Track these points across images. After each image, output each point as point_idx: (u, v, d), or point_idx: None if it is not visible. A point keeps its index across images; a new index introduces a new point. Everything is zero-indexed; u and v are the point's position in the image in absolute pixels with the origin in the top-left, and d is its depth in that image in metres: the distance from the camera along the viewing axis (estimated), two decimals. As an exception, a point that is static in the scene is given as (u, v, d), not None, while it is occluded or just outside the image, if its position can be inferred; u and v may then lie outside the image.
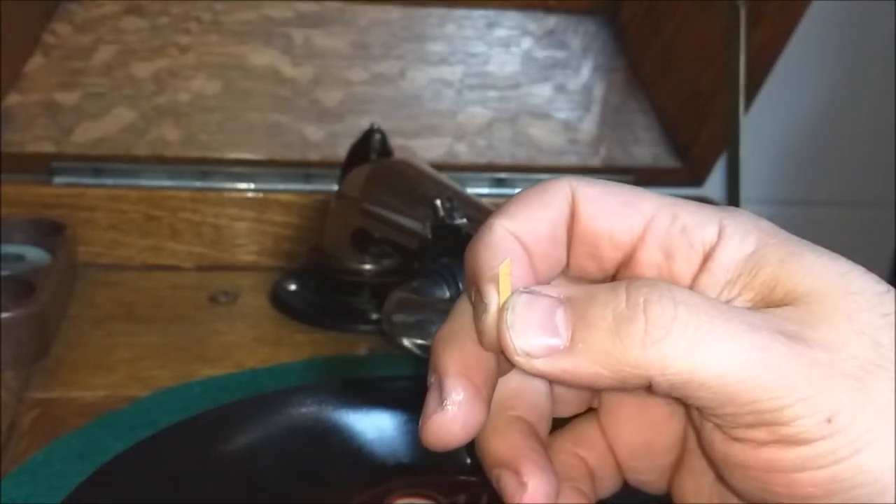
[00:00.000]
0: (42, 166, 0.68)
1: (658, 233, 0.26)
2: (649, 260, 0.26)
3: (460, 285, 0.49)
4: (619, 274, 0.27)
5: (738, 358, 0.22)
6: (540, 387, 0.28)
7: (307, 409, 0.50)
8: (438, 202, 0.52)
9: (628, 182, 0.83)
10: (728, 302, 0.25)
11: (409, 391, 0.53)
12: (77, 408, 0.50)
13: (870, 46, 0.89)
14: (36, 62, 0.68)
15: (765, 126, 0.82)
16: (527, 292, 0.24)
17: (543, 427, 0.28)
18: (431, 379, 0.26)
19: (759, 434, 0.23)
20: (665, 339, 0.22)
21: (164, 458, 0.46)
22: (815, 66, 0.88)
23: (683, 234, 0.26)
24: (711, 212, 0.26)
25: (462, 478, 0.45)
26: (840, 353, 0.23)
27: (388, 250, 0.62)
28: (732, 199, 0.64)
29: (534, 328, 0.24)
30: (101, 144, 0.68)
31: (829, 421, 0.22)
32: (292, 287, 0.66)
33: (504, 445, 0.26)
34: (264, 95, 0.71)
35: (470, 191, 0.62)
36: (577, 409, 0.29)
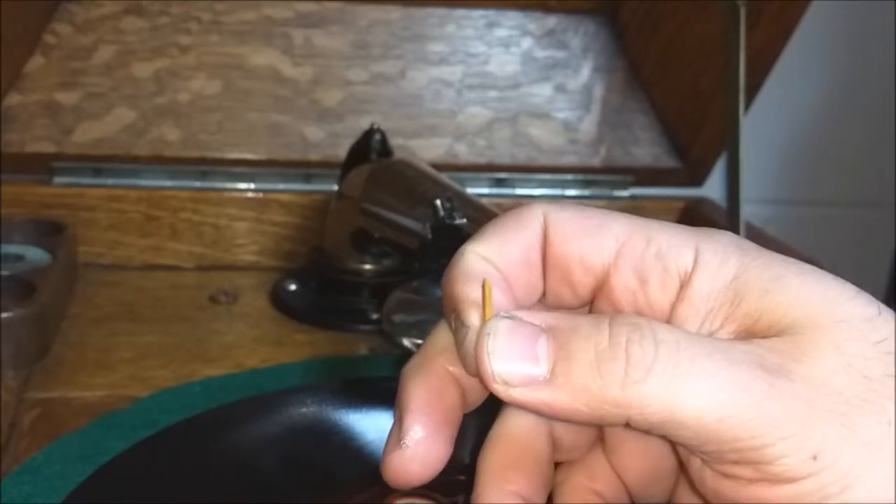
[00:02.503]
0: (42, 166, 0.68)
1: (631, 257, 0.25)
2: (624, 286, 0.26)
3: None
4: (595, 301, 0.27)
5: (717, 397, 0.22)
6: (542, 452, 0.27)
7: (307, 409, 0.50)
8: (438, 202, 0.52)
9: (628, 182, 0.83)
10: (710, 334, 0.24)
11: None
12: (77, 408, 0.50)
13: (870, 46, 0.89)
14: (36, 62, 0.68)
15: (765, 126, 0.82)
16: (508, 317, 0.24)
17: (541, 495, 0.27)
18: (395, 413, 0.26)
19: (745, 472, 0.23)
20: (644, 380, 0.22)
21: (165, 458, 0.45)
22: (815, 66, 0.88)
23: (658, 259, 0.25)
24: (688, 234, 0.25)
25: (462, 478, 0.45)
26: (824, 388, 0.22)
27: (388, 250, 0.62)
28: (732, 199, 0.64)
29: (514, 356, 0.23)
30: (101, 144, 0.68)
31: (814, 458, 0.22)
32: (292, 287, 0.66)
33: None
34: (264, 95, 0.71)
35: (470, 191, 0.62)
36: (584, 453, 0.29)
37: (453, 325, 0.26)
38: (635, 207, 0.76)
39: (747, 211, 0.64)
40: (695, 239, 0.25)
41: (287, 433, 0.48)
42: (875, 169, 0.91)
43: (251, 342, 0.59)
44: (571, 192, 0.76)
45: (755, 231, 0.69)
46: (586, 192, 0.76)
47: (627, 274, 0.25)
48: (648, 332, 0.23)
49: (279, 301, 0.64)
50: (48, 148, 0.67)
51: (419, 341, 0.46)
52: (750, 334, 0.24)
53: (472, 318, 0.24)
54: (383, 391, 0.52)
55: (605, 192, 0.77)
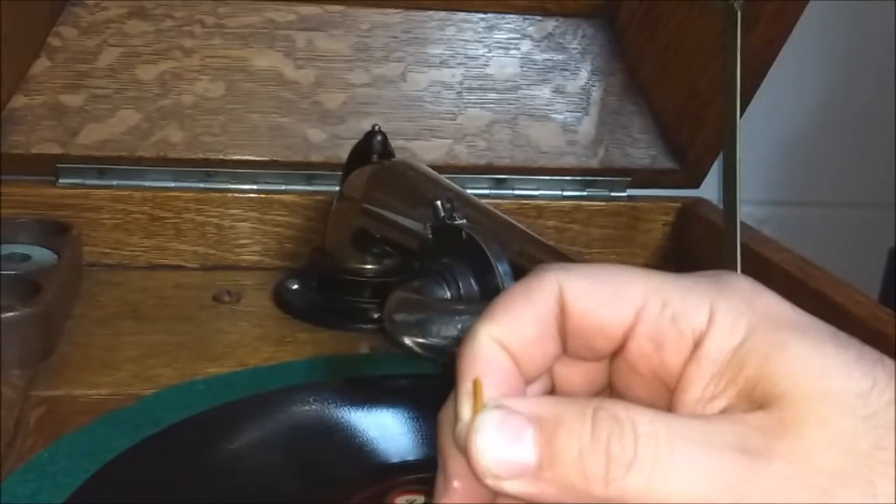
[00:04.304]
0: (48, 167, 0.68)
1: (648, 323, 0.26)
2: (640, 350, 0.26)
3: (460, 285, 0.49)
4: (613, 360, 0.27)
5: (695, 486, 0.22)
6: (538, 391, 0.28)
7: (310, 408, 0.51)
8: (439, 203, 0.52)
9: (626, 184, 0.83)
10: (712, 398, 0.25)
11: (410, 389, 0.53)
12: (82, 406, 0.51)
13: (867, 47, 0.89)
14: (41, 65, 0.68)
15: (762, 127, 0.82)
16: (497, 408, 0.24)
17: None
18: (440, 459, 0.27)
19: None
20: (625, 478, 0.23)
21: (169, 456, 0.46)
22: (812, 67, 0.88)
23: (673, 324, 0.25)
24: (703, 292, 0.26)
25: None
26: (807, 464, 0.23)
27: (389, 250, 0.63)
28: (729, 200, 0.64)
29: (502, 450, 0.24)
30: (106, 146, 0.69)
31: None
32: (295, 287, 0.66)
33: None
34: (267, 97, 0.72)
35: (470, 191, 0.63)
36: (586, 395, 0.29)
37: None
38: (633, 208, 0.77)
39: (743, 212, 0.64)
40: (710, 297, 0.25)
41: (289, 431, 0.49)
42: (871, 170, 0.92)
43: (254, 341, 0.59)
44: (570, 192, 0.77)
45: (751, 232, 0.70)
46: (584, 193, 0.77)
47: (644, 339, 0.26)
48: (629, 426, 0.23)
49: (282, 300, 0.65)
50: (53, 149, 0.68)
51: (420, 340, 0.46)
52: (748, 400, 0.24)
53: (465, 411, 0.25)
54: (384, 389, 0.53)
55: (603, 192, 0.77)
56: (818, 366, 0.24)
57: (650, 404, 0.25)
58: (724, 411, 0.24)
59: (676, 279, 0.26)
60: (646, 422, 0.23)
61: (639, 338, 0.26)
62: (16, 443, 0.46)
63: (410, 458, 0.49)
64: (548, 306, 0.27)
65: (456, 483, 0.26)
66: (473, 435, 0.24)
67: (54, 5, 0.68)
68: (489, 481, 0.24)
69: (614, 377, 0.28)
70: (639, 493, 0.23)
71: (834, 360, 0.24)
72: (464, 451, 0.25)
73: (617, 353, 0.27)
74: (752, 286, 0.26)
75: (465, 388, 0.26)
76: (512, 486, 0.24)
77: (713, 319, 0.25)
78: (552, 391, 0.28)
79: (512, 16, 0.75)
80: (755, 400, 0.24)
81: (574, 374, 0.28)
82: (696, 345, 0.25)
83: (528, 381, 0.27)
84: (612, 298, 0.26)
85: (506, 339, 0.26)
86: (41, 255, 0.61)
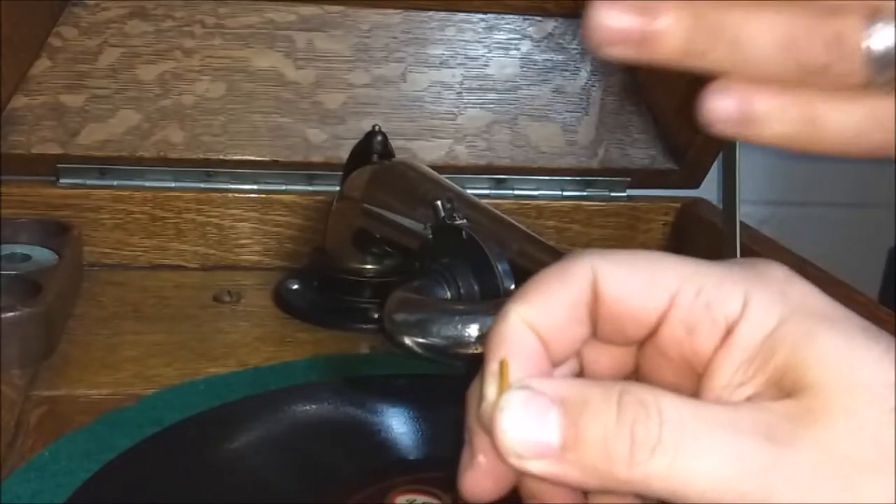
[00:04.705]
0: (48, 168, 0.69)
1: (681, 308, 0.26)
2: (671, 335, 0.26)
3: (460, 285, 0.49)
4: (644, 346, 0.27)
5: (720, 473, 0.23)
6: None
7: (310, 407, 0.51)
8: (439, 203, 0.52)
9: (625, 184, 0.82)
10: (740, 385, 0.25)
11: (410, 389, 0.53)
12: (83, 405, 0.51)
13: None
14: (42, 65, 0.68)
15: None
16: (522, 389, 0.24)
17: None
18: (467, 435, 0.27)
19: None
20: (649, 461, 0.23)
21: (170, 456, 0.46)
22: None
23: (707, 310, 0.25)
24: (737, 279, 0.26)
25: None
26: (830, 452, 0.23)
27: (389, 250, 0.63)
28: (729, 200, 0.64)
29: (527, 431, 0.24)
30: (106, 146, 0.69)
31: None
32: (295, 286, 0.66)
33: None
34: (267, 98, 0.72)
35: (470, 191, 0.63)
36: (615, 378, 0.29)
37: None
38: (632, 208, 0.77)
39: (743, 212, 0.64)
40: (744, 285, 0.25)
41: (289, 431, 0.49)
42: (871, 170, 0.92)
43: (254, 341, 0.60)
44: (570, 193, 0.77)
45: (751, 232, 0.70)
46: (584, 193, 0.77)
47: (676, 325, 0.26)
48: (654, 411, 0.23)
49: (282, 300, 0.65)
50: (54, 149, 0.68)
51: (420, 340, 0.46)
52: (777, 388, 0.24)
53: (490, 391, 0.25)
54: (384, 389, 0.53)
55: (602, 193, 0.77)
56: (847, 357, 0.24)
57: (677, 389, 0.24)
58: (751, 398, 0.24)
59: (710, 266, 0.26)
60: (671, 406, 0.23)
61: (672, 323, 0.26)
62: (16, 442, 0.47)
63: (410, 458, 0.49)
64: (581, 291, 0.26)
65: (481, 458, 0.26)
66: (498, 414, 0.24)
67: (55, 5, 0.68)
68: (513, 460, 0.24)
69: (642, 361, 0.28)
70: (662, 476, 0.23)
71: (863, 351, 0.24)
72: (488, 430, 0.25)
73: (647, 338, 0.27)
74: (787, 275, 0.26)
75: (492, 367, 0.26)
76: (535, 466, 0.24)
77: (747, 307, 0.25)
78: (580, 374, 0.28)
79: (512, 16, 0.75)
80: (783, 388, 0.24)
81: (602, 357, 0.28)
82: (728, 331, 0.25)
83: (556, 364, 0.27)
84: (646, 284, 0.26)
85: (536, 321, 0.26)
86: (42, 255, 0.61)
